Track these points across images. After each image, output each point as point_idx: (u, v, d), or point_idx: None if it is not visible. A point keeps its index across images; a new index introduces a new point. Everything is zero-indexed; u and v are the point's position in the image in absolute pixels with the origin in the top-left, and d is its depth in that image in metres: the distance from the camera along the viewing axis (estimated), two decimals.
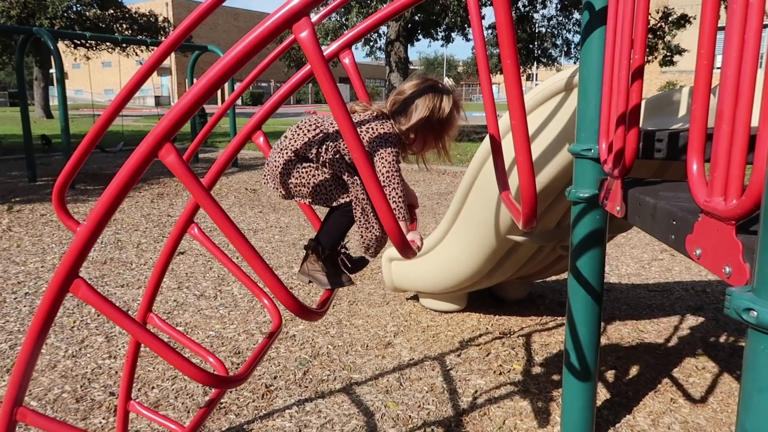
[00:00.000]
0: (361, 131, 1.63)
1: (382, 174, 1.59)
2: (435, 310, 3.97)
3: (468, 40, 21.07)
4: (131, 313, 3.86)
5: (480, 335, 3.60)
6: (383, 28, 17.77)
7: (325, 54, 1.87)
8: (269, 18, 1.16)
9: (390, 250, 3.82)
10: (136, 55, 26.37)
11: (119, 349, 3.32)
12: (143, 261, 5.10)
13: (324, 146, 1.63)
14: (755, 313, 0.90)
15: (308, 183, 1.64)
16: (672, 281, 4.89)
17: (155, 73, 45.74)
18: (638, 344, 3.54)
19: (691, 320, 3.98)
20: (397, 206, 1.59)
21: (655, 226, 1.53)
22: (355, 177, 1.63)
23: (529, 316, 3.95)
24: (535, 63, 22.61)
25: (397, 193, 1.60)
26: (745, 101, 1.06)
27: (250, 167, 11.06)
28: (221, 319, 3.81)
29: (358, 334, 3.60)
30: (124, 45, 19.55)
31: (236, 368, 3.10)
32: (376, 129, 1.62)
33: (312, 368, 3.12)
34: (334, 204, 1.67)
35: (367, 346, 3.43)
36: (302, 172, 1.64)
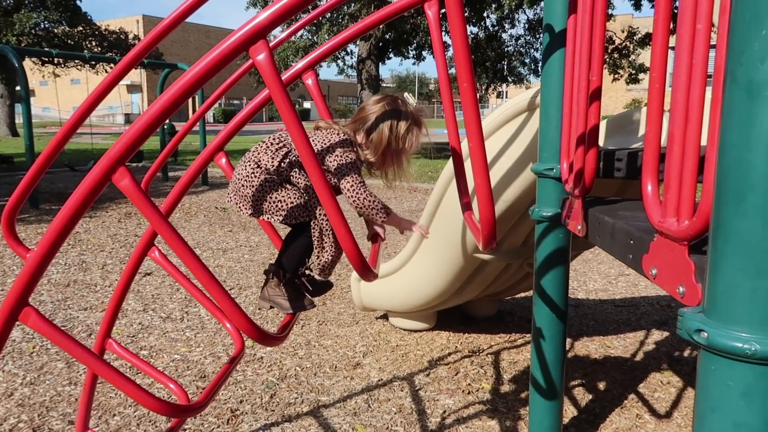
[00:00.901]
0: (322, 149, 1.65)
1: (348, 190, 1.62)
2: (404, 329, 3.95)
3: None
4: (93, 338, 3.76)
5: (449, 354, 3.59)
6: (352, 47, 17.91)
7: (287, 75, 1.88)
8: (226, 40, 1.15)
9: None
10: (106, 72, 26.03)
11: (80, 375, 3.21)
12: (108, 283, 4.98)
13: (287, 160, 1.64)
14: (705, 334, 0.91)
15: (269, 198, 1.64)
16: (638, 296, 4.96)
17: (126, 90, 45.16)
18: (605, 360, 3.57)
19: (657, 335, 4.04)
20: (379, 209, 1.65)
21: (614, 246, 1.55)
22: (314, 195, 1.63)
23: (498, 333, 3.96)
24: (504, 82, 23.00)
25: (371, 198, 1.65)
26: (695, 124, 1.09)
27: (221, 186, 10.94)
28: (187, 342, 3.73)
29: (327, 355, 3.55)
30: (93, 62, 19.29)
31: (201, 393, 3.03)
32: (336, 151, 1.64)
33: (279, 391, 3.07)
34: (294, 222, 1.66)
35: (336, 367, 3.39)
36: (264, 186, 1.64)
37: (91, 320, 4.10)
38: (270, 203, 1.64)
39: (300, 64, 1.81)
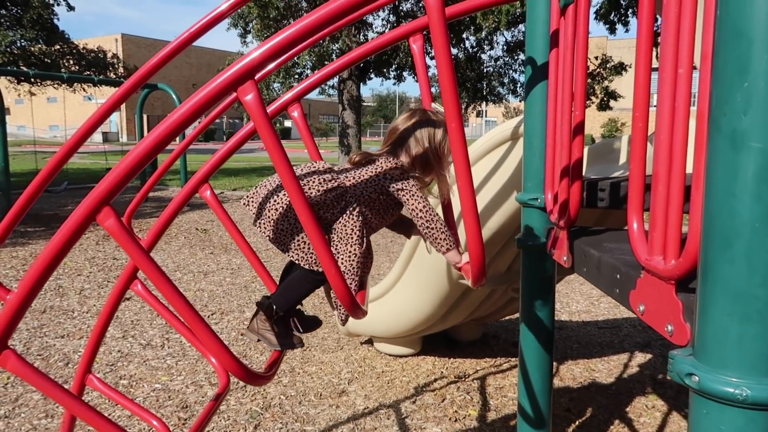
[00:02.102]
0: (379, 177, 1.59)
1: (420, 211, 1.57)
2: (390, 354, 3.93)
3: (417, 80, 21.52)
4: (72, 367, 3.67)
5: (435, 380, 3.57)
6: (308, 72, 18.00)
7: (273, 108, 1.88)
8: (213, 81, 1.15)
9: None
10: (84, 90, 25.80)
11: (57, 407, 3.13)
12: (86, 309, 4.88)
13: (340, 204, 1.57)
14: (696, 378, 0.92)
15: (301, 238, 1.56)
16: (620, 318, 5.00)
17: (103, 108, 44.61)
18: (590, 384, 3.58)
19: (640, 357, 4.06)
20: (447, 237, 1.60)
21: (601, 279, 1.57)
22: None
23: (483, 357, 3.96)
24: (484, 101, 23.32)
25: (442, 224, 1.60)
26: (679, 164, 1.10)
27: (201, 206, 10.85)
28: (168, 371, 3.66)
29: (312, 382, 3.51)
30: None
31: (183, 424, 2.97)
32: (393, 173, 1.60)
33: (263, 421, 3.02)
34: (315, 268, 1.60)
35: (321, 395, 3.35)
36: (299, 225, 1.53)
37: (68, 348, 4.01)
38: (300, 244, 1.57)
39: (286, 97, 1.81)
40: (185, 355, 3.91)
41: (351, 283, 1.53)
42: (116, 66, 26.09)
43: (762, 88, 0.81)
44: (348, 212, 1.56)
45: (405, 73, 18.71)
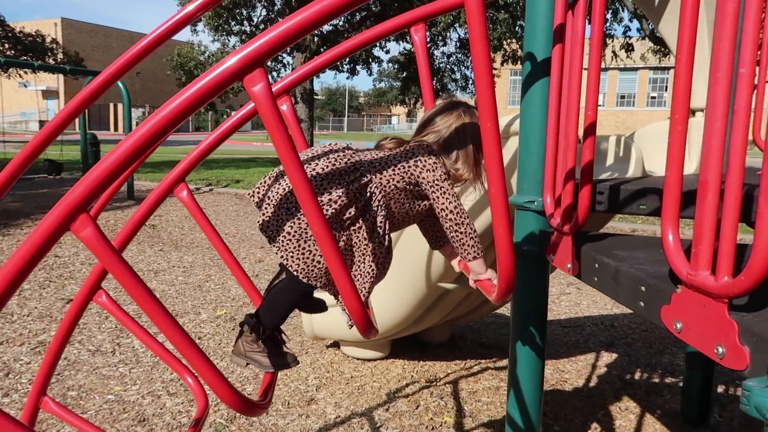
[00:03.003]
0: (409, 165, 1.43)
1: (451, 212, 1.42)
2: (358, 359, 3.79)
3: (371, 73, 21.39)
4: (13, 378, 3.35)
5: (407, 384, 3.46)
6: (288, 58, 17.64)
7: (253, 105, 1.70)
8: (218, 67, 0.98)
9: None
10: (20, 77, 24.30)
11: None
12: (26, 312, 4.51)
13: (363, 197, 1.38)
14: None
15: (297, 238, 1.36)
16: (582, 316, 5.03)
17: (41, 96, 42.37)
18: (562, 386, 3.55)
19: (606, 357, 4.08)
20: (476, 244, 1.47)
21: (619, 290, 1.48)
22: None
23: (453, 360, 3.87)
24: (435, 97, 23.47)
25: (472, 228, 1.46)
26: (738, 172, 1.01)
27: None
28: (121, 379, 3.40)
29: (278, 390, 3.33)
30: (6, 67, 17.94)
31: None
32: (426, 163, 1.43)
33: None
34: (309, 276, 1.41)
35: (289, 403, 3.18)
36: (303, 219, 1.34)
37: (8, 356, 3.67)
38: (293, 244, 1.36)
39: (274, 88, 1.64)
40: (139, 362, 3.65)
41: (364, 294, 1.38)
42: (55, 51, 24.72)
43: None
44: (370, 204, 1.38)
45: (358, 67, 18.51)
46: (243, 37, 15.31)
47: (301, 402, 3.19)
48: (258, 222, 1.41)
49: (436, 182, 1.41)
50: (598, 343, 4.37)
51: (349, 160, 1.39)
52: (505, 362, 3.85)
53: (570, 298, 5.55)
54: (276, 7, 15.88)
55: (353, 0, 1.05)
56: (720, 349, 1.05)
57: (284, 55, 15.46)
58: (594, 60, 1.59)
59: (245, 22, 15.87)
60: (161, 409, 3.06)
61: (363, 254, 1.38)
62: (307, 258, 1.36)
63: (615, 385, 3.57)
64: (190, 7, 1.69)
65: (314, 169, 1.36)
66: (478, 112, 1.07)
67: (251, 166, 16.46)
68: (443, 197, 1.41)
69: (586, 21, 1.67)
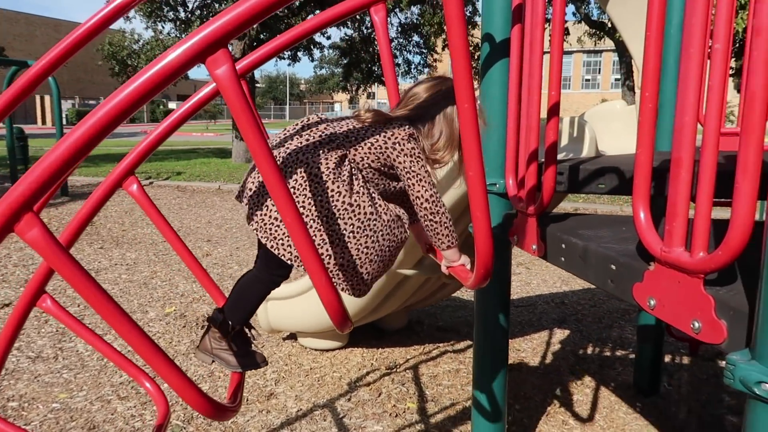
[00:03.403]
0: (387, 146, 1.35)
1: (426, 200, 1.34)
2: (316, 349, 3.73)
3: (313, 60, 21.06)
4: None
5: (367, 373, 3.43)
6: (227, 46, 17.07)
7: (210, 88, 1.60)
8: (175, 48, 0.90)
9: None
10: None
11: None
12: None
13: (345, 170, 1.31)
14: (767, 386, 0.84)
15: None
16: (533, 295, 5.14)
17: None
18: (520, 365, 3.61)
19: (559, 333, 4.18)
20: (451, 233, 1.39)
21: (588, 270, 1.48)
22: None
23: (411, 345, 3.87)
24: (376, 83, 23.35)
25: (447, 217, 1.39)
26: (712, 150, 1.02)
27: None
28: (66, 386, 3.22)
29: None
30: None
31: None
32: (405, 146, 1.34)
33: None
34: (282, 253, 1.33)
35: (248, 400, 3.09)
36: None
37: None
38: (268, 214, 1.31)
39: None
40: (85, 367, 3.47)
41: (362, 278, 1.32)
42: None
43: None
44: (353, 181, 1.31)
45: (300, 53, 18.18)
46: (178, 23, 14.73)
47: (260, 397, 3.12)
48: (252, 229, 1.34)
49: (412, 168, 1.35)
50: (551, 320, 4.47)
51: (321, 136, 1.33)
52: (462, 345, 3.88)
53: (521, 278, 5.66)
54: None
55: None
56: (696, 324, 1.06)
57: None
58: (556, 39, 1.58)
59: (180, 8, 15.27)
60: (112, 414, 2.92)
61: (348, 237, 1.31)
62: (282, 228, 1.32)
63: (570, 361, 3.66)
64: None
65: (287, 150, 1.30)
66: (456, 93, 1.03)
67: (192, 158, 15.98)
68: (419, 184, 1.36)
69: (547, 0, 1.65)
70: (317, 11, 14.24)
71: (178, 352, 3.70)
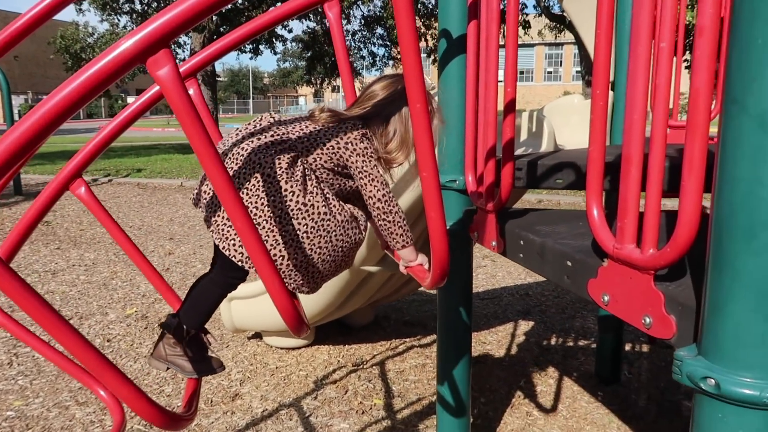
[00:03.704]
0: (339, 146, 1.34)
1: (379, 200, 1.34)
2: (282, 348, 3.70)
3: (275, 53, 20.83)
4: None
5: (334, 370, 3.41)
6: (183, 38, 16.78)
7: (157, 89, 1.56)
8: (116, 48, 0.86)
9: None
10: None
11: None
12: None
13: (299, 166, 1.31)
14: (713, 381, 0.85)
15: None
16: (498, 287, 5.19)
17: None
18: (485, 358, 3.64)
19: (523, 325, 4.23)
20: (405, 232, 1.39)
21: (545, 266, 1.50)
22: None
23: (378, 341, 3.87)
24: (340, 76, 23.28)
25: (401, 217, 1.38)
26: (660, 147, 1.03)
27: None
28: (22, 393, 3.12)
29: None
30: None
31: None
32: (357, 146, 1.33)
33: None
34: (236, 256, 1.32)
35: (212, 401, 3.05)
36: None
37: None
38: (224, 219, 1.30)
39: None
40: (41, 372, 3.36)
41: (297, 282, 1.31)
42: None
43: None
44: (306, 181, 1.31)
45: (261, 47, 17.94)
46: (134, 16, 14.36)
47: (225, 398, 3.07)
48: (210, 230, 1.32)
49: (364, 168, 1.35)
50: (515, 312, 4.52)
51: (274, 137, 1.31)
52: (429, 339, 3.90)
53: (486, 270, 5.71)
54: None
55: None
56: (647, 320, 1.08)
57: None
58: (511, 36, 1.59)
59: (135, 0, 14.90)
60: (70, 421, 2.84)
61: (302, 237, 1.30)
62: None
63: (534, 352, 3.71)
64: None
65: (239, 151, 1.28)
66: (407, 91, 1.02)
67: (153, 154, 15.63)
68: (371, 184, 1.35)
69: None
70: (279, 3, 14.03)
71: (140, 354, 3.63)
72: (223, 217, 1.29)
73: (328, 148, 1.33)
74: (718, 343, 0.86)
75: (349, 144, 1.34)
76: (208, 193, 1.33)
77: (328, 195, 1.32)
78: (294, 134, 1.33)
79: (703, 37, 0.89)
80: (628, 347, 3.73)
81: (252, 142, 1.29)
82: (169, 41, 0.88)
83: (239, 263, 1.28)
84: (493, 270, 5.70)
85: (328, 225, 1.30)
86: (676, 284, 1.11)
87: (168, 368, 1.43)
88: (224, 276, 1.40)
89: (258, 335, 3.87)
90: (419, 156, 1.08)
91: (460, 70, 1.91)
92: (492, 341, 3.93)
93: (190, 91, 1.54)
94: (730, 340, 0.84)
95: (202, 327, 1.46)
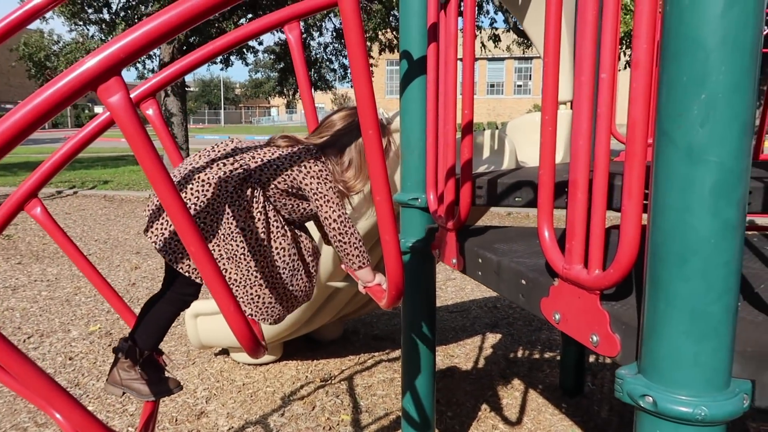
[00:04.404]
0: (293, 169, 1.38)
1: (335, 221, 1.37)
2: (249, 364, 3.67)
3: (247, 64, 20.74)
4: None
5: (301, 386, 3.40)
6: (156, 50, 16.59)
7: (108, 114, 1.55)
8: (64, 76, 0.87)
9: (195, 305, 3.45)
10: None
11: None
12: None
13: (245, 184, 1.34)
14: (651, 399, 0.89)
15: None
16: (467, 300, 5.24)
17: None
18: (453, 371, 3.67)
19: (491, 338, 4.28)
20: (361, 253, 1.42)
21: (501, 284, 1.53)
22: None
23: (347, 356, 3.87)
24: (313, 88, 23.28)
25: (357, 238, 1.42)
26: (603, 173, 1.07)
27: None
28: None
29: (164, 406, 3.14)
30: None
31: None
32: (311, 169, 1.38)
33: None
34: (178, 263, 1.34)
35: (177, 420, 3.01)
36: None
37: None
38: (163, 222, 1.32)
39: (138, 91, 1.51)
40: None
41: (260, 311, 1.32)
42: None
43: (720, 99, 0.78)
44: (252, 204, 1.33)
45: (233, 58, 17.85)
46: (103, 26, 14.17)
47: (190, 417, 3.03)
48: (151, 242, 1.32)
49: (319, 190, 1.38)
50: (483, 325, 4.57)
51: (233, 162, 1.33)
52: (397, 353, 3.91)
53: (455, 283, 5.75)
54: None
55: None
56: (594, 338, 1.12)
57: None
58: (468, 62, 1.63)
59: (104, 9, 14.69)
60: None
61: (251, 261, 1.32)
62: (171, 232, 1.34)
63: (501, 365, 3.75)
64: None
65: (196, 177, 1.30)
66: (359, 118, 1.04)
67: (120, 165, 15.40)
68: (326, 205, 1.39)
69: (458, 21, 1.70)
70: (250, 15, 14.02)
71: (103, 372, 3.55)
72: (169, 230, 1.31)
73: (281, 170, 1.36)
74: (655, 362, 0.90)
75: (303, 166, 1.38)
76: (151, 210, 1.36)
77: (272, 220, 1.35)
78: (251, 159, 1.35)
79: (638, 70, 0.93)
80: (591, 359, 3.80)
81: (210, 167, 1.30)
82: (120, 69, 0.89)
83: (186, 274, 1.31)
84: (462, 283, 5.75)
85: (265, 250, 1.33)
86: (622, 303, 1.15)
87: (124, 393, 1.42)
88: (176, 293, 1.41)
89: (225, 351, 3.84)
90: (373, 181, 1.11)
91: (420, 90, 1.95)
92: (460, 354, 3.96)
93: (149, 111, 1.55)
94: (665, 360, 0.88)
95: (155, 348, 1.46)
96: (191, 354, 3.86)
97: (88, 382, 3.44)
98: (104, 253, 6.58)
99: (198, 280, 1.31)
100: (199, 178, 1.29)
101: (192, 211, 1.27)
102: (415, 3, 1.93)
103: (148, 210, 1.35)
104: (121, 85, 0.90)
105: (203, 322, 3.41)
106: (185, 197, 1.28)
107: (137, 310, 1.67)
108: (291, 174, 1.38)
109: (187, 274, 1.31)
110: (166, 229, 1.31)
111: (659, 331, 0.88)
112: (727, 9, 0.76)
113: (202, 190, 1.28)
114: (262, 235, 1.32)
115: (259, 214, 1.32)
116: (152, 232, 1.32)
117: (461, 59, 1.63)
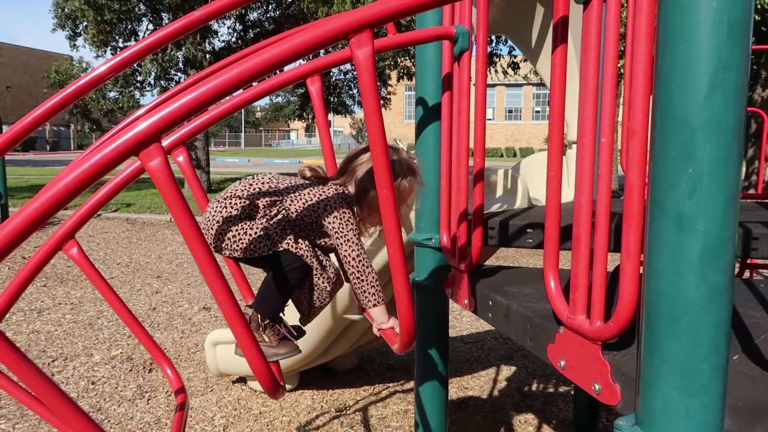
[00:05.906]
0: (319, 207, 1.51)
1: (354, 259, 1.48)
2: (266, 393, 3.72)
3: None
4: None
5: (317, 416, 3.45)
6: (180, 75, 17.05)
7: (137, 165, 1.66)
8: (109, 144, 0.96)
9: (214, 334, 3.53)
10: None
11: None
12: None
13: (274, 208, 1.53)
14: None
15: (231, 231, 1.49)
16: (482, 331, 5.25)
17: None
18: (466, 403, 3.69)
19: (505, 370, 4.29)
20: (377, 292, 1.51)
21: (510, 327, 1.59)
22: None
23: (362, 386, 3.91)
24: (332, 112, 23.67)
25: (374, 278, 1.51)
26: (603, 231, 1.14)
27: None
28: None
29: None
30: None
31: None
32: (336, 210, 1.50)
33: None
34: (254, 255, 1.50)
35: None
36: (230, 219, 1.49)
37: None
38: (230, 238, 1.50)
39: (170, 139, 1.61)
40: (24, 416, 3.37)
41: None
42: None
43: (706, 174, 0.85)
44: (287, 241, 1.49)
45: (254, 83, 18.20)
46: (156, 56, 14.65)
47: None
48: (227, 255, 1.52)
49: (340, 229, 1.50)
50: (498, 356, 4.59)
51: (264, 186, 1.52)
52: (412, 384, 3.94)
53: (470, 314, 5.75)
54: (164, 22, 15.34)
55: (258, 72, 1.08)
56: (597, 386, 1.17)
57: (178, 73, 14.92)
58: (479, 113, 1.71)
59: (132, 37, 15.17)
60: None
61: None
62: (240, 242, 1.49)
63: (515, 399, 3.76)
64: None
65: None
66: (375, 179, 1.13)
67: (143, 188, 15.69)
68: (346, 245, 1.49)
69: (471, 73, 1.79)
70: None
71: (124, 398, 3.64)
72: (234, 236, 1.48)
73: (309, 205, 1.48)
74: (650, 414, 0.95)
75: (328, 206, 1.50)
76: (212, 230, 1.53)
77: (288, 233, 1.50)
78: (281, 187, 1.53)
79: (634, 139, 1.01)
80: None
81: (252, 218, 1.51)
82: (159, 137, 0.99)
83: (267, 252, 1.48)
84: None
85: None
86: (623, 354, 1.21)
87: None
88: (276, 267, 1.53)
89: (242, 379, 3.91)
90: (386, 234, 1.18)
91: (435, 135, 2.04)
92: (474, 386, 3.98)
93: (180, 158, 1.65)
94: (659, 413, 0.93)
95: (274, 317, 1.61)
96: (209, 381, 3.93)
97: (110, 407, 3.52)
98: (126, 277, 6.73)
99: (299, 253, 1.49)
100: (242, 227, 1.46)
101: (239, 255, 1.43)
102: (431, 53, 2.02)
103: (209, 232, 1.48)
104: (159, 151, 1.00)
105: (222, 350, 3.49)
106: (226, 245, 1.45)
107: (157, 336, 1.76)
108: (316, 211, 1.51)
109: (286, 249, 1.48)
110: (242, 235, 1.45)
111: (654, 385, 0.93)
112: (710, 93, 0.83)
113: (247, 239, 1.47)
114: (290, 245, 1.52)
115: (288, 243, 1.52)
116: (226, 247, 1.47)
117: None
